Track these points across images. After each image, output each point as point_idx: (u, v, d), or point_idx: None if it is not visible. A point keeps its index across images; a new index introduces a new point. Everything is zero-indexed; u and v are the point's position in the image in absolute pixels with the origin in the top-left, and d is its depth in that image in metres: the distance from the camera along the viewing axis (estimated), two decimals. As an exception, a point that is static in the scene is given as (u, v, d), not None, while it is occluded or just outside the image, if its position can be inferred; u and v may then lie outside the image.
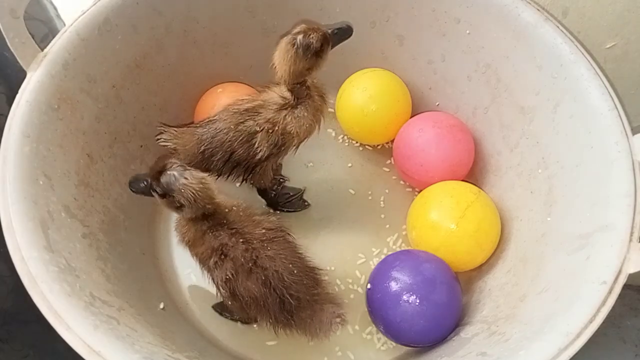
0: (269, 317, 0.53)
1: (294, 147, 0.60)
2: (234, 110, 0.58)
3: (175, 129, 0.61)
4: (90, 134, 0.57)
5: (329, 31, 0.54)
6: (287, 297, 0.51)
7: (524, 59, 0.60)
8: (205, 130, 0.59)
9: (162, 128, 0.61)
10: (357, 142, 0.77)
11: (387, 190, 0.73)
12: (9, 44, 0.50)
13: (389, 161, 0.76)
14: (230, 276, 0.51)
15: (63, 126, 0.53)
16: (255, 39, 0.73)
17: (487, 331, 0.52)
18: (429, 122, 0.68)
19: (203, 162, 0.59)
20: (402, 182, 0.74)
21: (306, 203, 0.71)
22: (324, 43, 0.54)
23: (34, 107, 0.50)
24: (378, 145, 0.77)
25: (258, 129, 0.57)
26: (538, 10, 0.58)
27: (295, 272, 0.52)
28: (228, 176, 0.61)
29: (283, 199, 0.70)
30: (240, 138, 0.57)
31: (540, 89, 0.58)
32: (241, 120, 0.57)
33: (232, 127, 0.57)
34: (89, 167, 0.57)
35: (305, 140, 0.60)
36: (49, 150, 0.51)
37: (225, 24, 0.69)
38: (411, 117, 0.72)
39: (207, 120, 0.60)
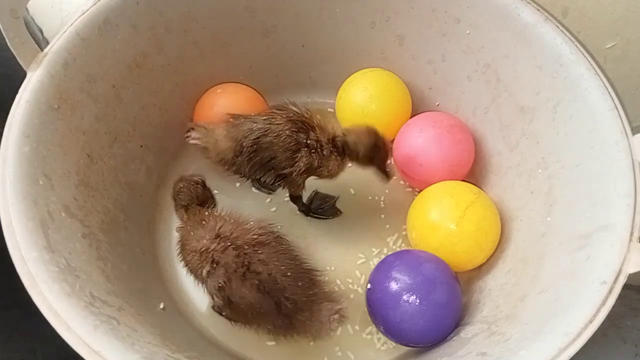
0: (268, 323, 0.53)
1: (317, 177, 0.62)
2: (288, 117, 0.58)
3: (205, 126, 0.61)
4: (90, 134, 0.57)
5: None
6: (283, 300, 0.51)
7: (524, 59, 0.60)
8: (253, 127, 0.58)
9: (191, 125, 0.61)
10: (357, 142, 0.77)
11: (387, 190, 0.73)
12: (9, 44, 0.50)
13: (389, 161, 0.76)
14: (224, 284, 0.51)
15: (63, 126, 0.53)
16: (255, 39, 0.73)
17: (487, 331, 0.52)
18: (429, 122, 0.68)
19: (235, 161, 0.59)
20: (402, 182, 0.74)
21: (339, 211, 0.71)
22: (382, 165, 0.61)
23: (34, 107, 0.50)
24: (378, 145, 0.77)
25: (307, 142, 0.58)
26: (538, 10, 0.58)
27: (289, 274, 0.52)
28: (259, 178, 0.61)
29: (316, 206, 0.70)
30: (289, 145, 0.57)
31: (540, 89, 0.58)
32: (295, 130, 0.57)
33: (286, 132, 0.57)
34: (89, 167, 0.57)
35: (327, 178, 0.62)
36: (49, 150, 0.51)
37: (225, 24, 0.69)
38: (411, 117, 0.72)
39: (254, 117, 0.59)
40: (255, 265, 0.51)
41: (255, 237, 0.53)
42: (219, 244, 0.52)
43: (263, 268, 0.51)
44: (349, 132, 0.59)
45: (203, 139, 0.60)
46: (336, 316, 0.53)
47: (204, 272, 0.52)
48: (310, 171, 0.60)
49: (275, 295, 0.51)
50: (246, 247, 0.51)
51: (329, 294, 0.55)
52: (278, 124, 0.58)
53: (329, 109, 0.78)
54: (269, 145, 0.57)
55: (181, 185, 0.58)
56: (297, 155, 0.58)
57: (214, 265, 0.51)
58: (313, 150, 0.58)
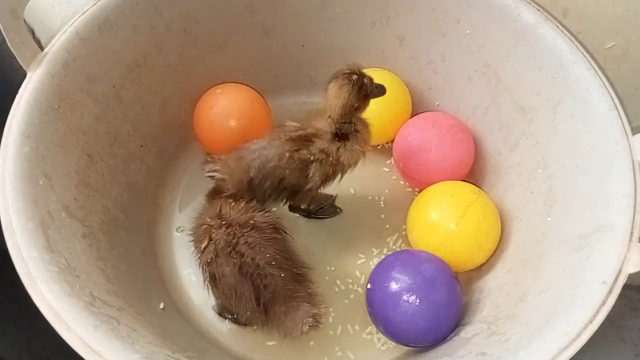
0: (246, 309, 0.54)
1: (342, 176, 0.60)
2: (285, 137, 0.57)
3: (220, 158, 0.60)
4: (90, 134, 0.57)
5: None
6: (262, 288, 0.52)
7: (524, 59, 0.60)
8: (255, 156, 0.57)
9: (212, 159, 0.60)
10: (357, 142, 0.77)
11: (387, 190, 0.73)
12: (9, 44, 0.50)
13: (389, 161, 0.76)
14: (211, 259, 0.53)
15: (63, 126, 0.53)
16: (255, 39, 0.73)
17: (487, 331, 0.52)
18: (429, 122, 0.68)
19: (251, 189, 0.58)
20: (402, 182, 0.74)
21: (338, 209, 0.71)
22: (373, 89, 0.56)
23: (34, 107, 0.50)
24: (378, 145, 0.77)
25: (312, 159, 0.56)
26: (538, 10, 0.58)
27: (273, 263, 0.53)
28: (273, 200, 0.60)
29: (315, 206, 0.70)
30: (294, 166, 0.57)
31: (540, 89, 0.58)
32: (295, 148, 0.56)
33: (286, 154, 0.56)
34: (89, 167, 0.57)
35: (352, 169, 0.60)
36: (49, 150, 0.51)
37: (225, 24, 0.69)
38: (411, 117, 0.72)
39: (254, 145, 0.59)
40: (241, 246, 0.52)
41: (251, 221, 0.54)
42: (216, 221, 0.54)
43: (248, 251, 0.52)
44: (329, 107, 0.56)
45: (221, 171, 0.59)
46: (310, 320, 0.53)
47: (202, 246, 0.54)
48: (327, 180, 0.59)
49: (255, 280, 0.52)
50: (238, 227, 0.53)
51: (311, 296, 0.55)
52: (278, 147, 0.57)
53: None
54: (274, 170, 0.57)
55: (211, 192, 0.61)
56: (309, 173, 0.57)
57: (210, 241, 0.53)
58: (324, 162, 0.57)
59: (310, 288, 0.56)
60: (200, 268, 0.56)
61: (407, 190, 0.74)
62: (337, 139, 0.57)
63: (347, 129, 0.57)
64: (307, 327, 0.53)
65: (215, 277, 0.53)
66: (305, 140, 0.57)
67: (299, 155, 0.56)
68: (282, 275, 0.53)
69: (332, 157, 0.57)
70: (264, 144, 0.58)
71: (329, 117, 0.56)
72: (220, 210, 0.55)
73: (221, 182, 0.60)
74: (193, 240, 0.57)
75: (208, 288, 0.56)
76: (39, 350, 0.64)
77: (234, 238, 0.53)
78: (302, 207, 0.67)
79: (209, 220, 0.55)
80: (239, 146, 0.60)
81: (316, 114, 0.59)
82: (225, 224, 0.54)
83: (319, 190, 0.61)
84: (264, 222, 0.55)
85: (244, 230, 0.53)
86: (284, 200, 0.62)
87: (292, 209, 0.68)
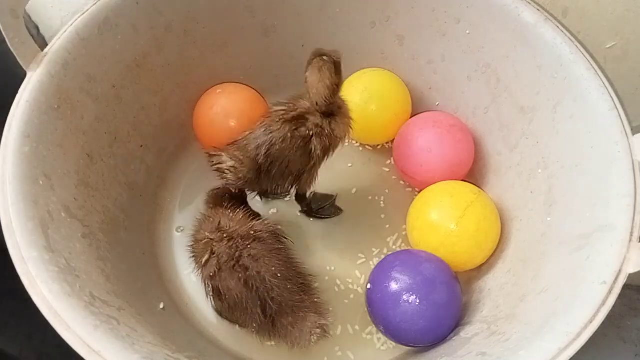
0: (253, 321, 0.53)
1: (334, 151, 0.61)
2: (282, 120, 0.57)
3: (228, 148, 0.59)
4: (90, 134, 0.57)
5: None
6: (269, 301, 0.51)
7: (524, 59, 0.60)
8: (259, 143, 0.57)
9: (216, 151, 0.60)
10: (357, 142, 0.77)
11: (387, 190, 0.73)
12: (9, 44, 0.50)
13: (389, 161, 0.76)
14: (214, 273, 0.52)
15: (63, 126, 0.53)
16: (255, 39, 0.73)
17: (487, 331, 0.52)
18: (429, 122, 0.68)
19: (258, 179, 0.58)
20: (402, 182, 0.74)
21: (340, 210, 0.71)
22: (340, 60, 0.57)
23: (34, 107, 0.50)
24: (378, 145, 0.77)
25: (311, 134, 0.57)
26: (538, 10, 0.58)
27: (279, 275, 0.52)
28: (280, 188, 0.60)
29: (316, 206, 0.70)
30: (297, 144, 0.57)
31: (540, 89, 0.58)
32: (294, 128, 0.57)
33: (288, 135, 0.56)
34: (89, 167, 0.57)
35: (343, 143, 0.61)
36: (49, 150, 0.51)
37: (225, 24, 0.69)
38: (411, 117, 0.72)
39: (254, 135, 0.58)
40: (244, 259, 0.52)
41: (252, 232, 0.53)
42: (217, 234, 0.53)
43: (252, 265, 0.51)
44: (315, 93, 0.56)
45: (233, 158, 0.59)
46: (318, 330, 0.52)
47: (203, 260, 0.53)
48: (326, 152, 0.59)
49: (262, 293, 0.51)
50: (240, 239, 0.52)
51: (318, 306, 0.54)
52: (277, 130, 0.57)
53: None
54: (281, 152, 0.57)
55: (211, 193, 0.60)
56: (310, 148, 0.57)
57: (212, 255, 0.53)
58: (321, 135, 0.57)
59: (316, 296, 0.55)
60: (203, 282, 0.55)
61: (407, 190, 0.74)
62: (325, 117, 0.58)
63: (331, 108, 0.58)
64: (316, 338, 0.52)
65: (220, 291, 0.53)
66: (299, 119, 0.57)
67: (299, 133, 0.57)
68: (288, 286, 0.52)
69: (327, 130, 0.58)
70: (262, 131, 0.58)
71: (316, 103, 0.56)
72: (219, 223, 0.54)
73: (230, 172, 0.59)
74: (193, 256, 0.56)
75: (211, 301, 0.56)
76: (40, 344, 0.64)
77: (236, 251, 0.52)
78: (307, 194, 0.67)
79: (208, 234, 0.54)
80: (237, 138, 0.60)
81: (297, 96, 0.59)
82: (226, 237, 0.53)
83: (318, 167, 0.60)
84: (266, 233, 0.54)
85: (247, 243, 0.52)
86: (290, 187, 0.61)
87: (297, 198, 0.68)
